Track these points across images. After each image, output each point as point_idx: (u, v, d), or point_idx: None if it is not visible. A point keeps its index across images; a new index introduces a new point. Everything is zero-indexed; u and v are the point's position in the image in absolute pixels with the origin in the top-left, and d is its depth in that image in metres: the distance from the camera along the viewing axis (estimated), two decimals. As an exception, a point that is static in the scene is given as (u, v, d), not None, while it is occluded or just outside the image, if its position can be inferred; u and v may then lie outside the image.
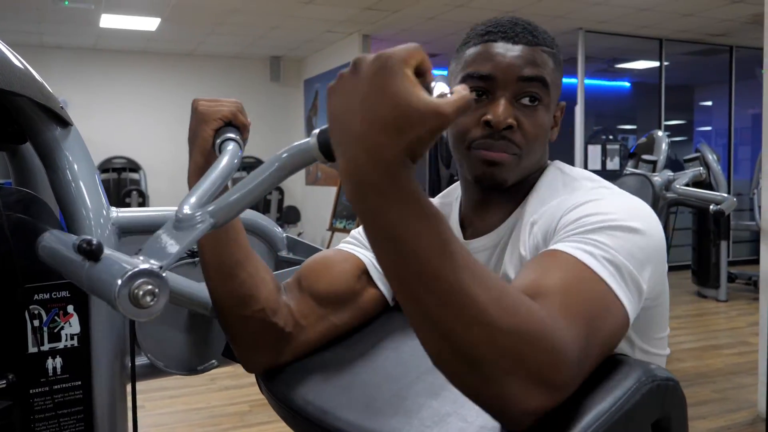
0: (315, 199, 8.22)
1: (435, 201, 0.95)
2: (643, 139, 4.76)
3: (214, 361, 1.15)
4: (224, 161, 0.72)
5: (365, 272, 0.87)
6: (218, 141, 0.80)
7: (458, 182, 0.94)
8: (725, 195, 3.64)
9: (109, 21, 6.36)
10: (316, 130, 0.60)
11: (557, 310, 0.57)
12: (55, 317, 1.01)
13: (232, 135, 0.80)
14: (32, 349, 0.98)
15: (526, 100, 0.80)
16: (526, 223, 0.80)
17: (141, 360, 1.15)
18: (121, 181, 7.71)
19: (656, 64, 7.33)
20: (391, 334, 0.80)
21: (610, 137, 7.91)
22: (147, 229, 1.19)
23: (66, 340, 1.02)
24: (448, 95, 0.51)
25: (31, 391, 0.98)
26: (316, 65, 8.16)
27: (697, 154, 5.28)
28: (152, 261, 0.53)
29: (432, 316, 0.53)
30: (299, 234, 8.00)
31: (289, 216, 8.07)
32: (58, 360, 1.01)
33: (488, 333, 0.52)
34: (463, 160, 0.83)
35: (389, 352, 0.73)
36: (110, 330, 1.06)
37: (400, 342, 0.75)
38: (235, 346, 0.83)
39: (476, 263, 0.55)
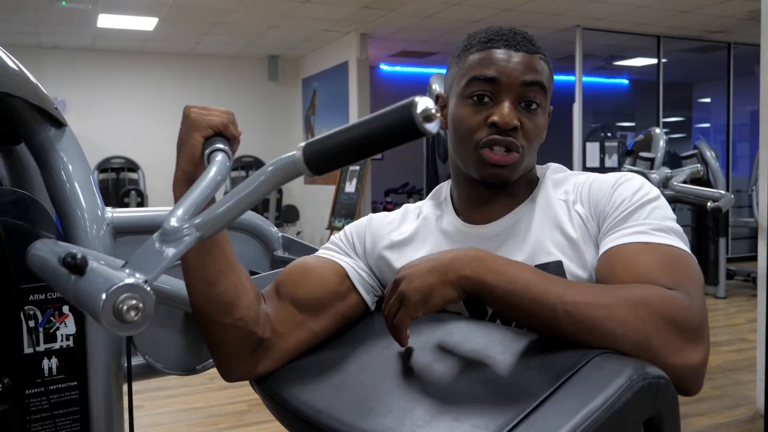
0: (314, 198, 8.22)
1: (428, 202, 0.96)
2: (640, 137, 4.76)
3: (211, 360, 1.15)
4: (212, 172, 0.71)
5: (346, 278, 0.89)
6: (207, 151, 0.78)
7: (444, 183, 0.97)
8: (722, 192, 3.64)
9: (106, 21, 6.35)
10: (302, 144, 0.60)
11: (665, 282, 0.70)
12: (51, 318, 1.01)
13: (221, 146, 0.78)
14: (28, 350, 0.98)
15: (526, 104, 0.85)
16: (552, 205, 0.86)
17: (138, 360, 1.15)
18: (120, 180, 7.70)
19: (654, 61, 7.33)
20: (382, 334, 0.81)
21: (609, 135, 7.91)
22: (142, 230, 1.19)
23: (62, 340, 1.02)
24: (434, 111, 0.52)
25: (27, 392, 0.98)
26: (314, 64, 8.15)
27: (695, 151, 5.28)
28: (137, 275, 0.53)
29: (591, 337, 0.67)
30: (298, 233, 8.00)
31: (288, 215, 8.07)
32: (54, 360, 1.01)
33: (625, 324, 0.66)
34: (469, 160, 0.87)
35: (382, 352, 0.73)
36: (105, 330, 1.06)
37: (391, 342, 0.75)
38: (214, 353, 0.84)
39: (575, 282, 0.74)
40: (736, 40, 7.41)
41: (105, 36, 7.03)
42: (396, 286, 0.74)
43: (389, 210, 1.01)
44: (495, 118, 0.83)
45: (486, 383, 0.66)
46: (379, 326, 0.84)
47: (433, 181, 4.56)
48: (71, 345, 1.02)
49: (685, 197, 3.95)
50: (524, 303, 0.68)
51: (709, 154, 5.38)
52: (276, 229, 1.34)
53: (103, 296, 0.50)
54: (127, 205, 7.04)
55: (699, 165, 4.16)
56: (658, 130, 4.63)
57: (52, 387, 0.99)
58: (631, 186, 0.82)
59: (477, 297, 0.71)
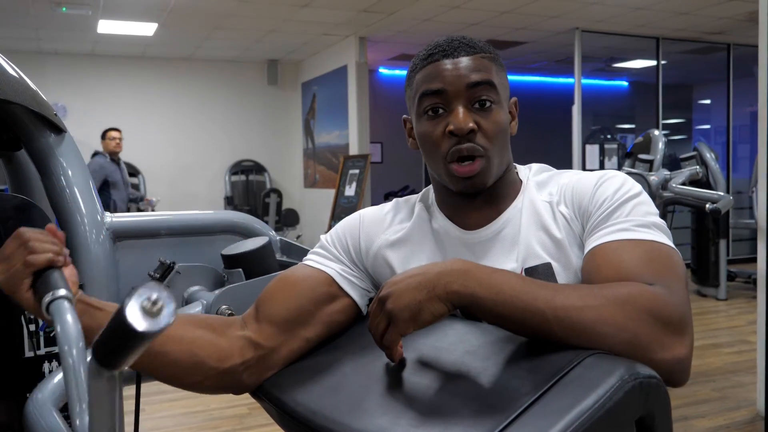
0: (313, 202, 8.23)
1: (418, 205, 0.97)
2: (639, 139, 4.76)
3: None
4: (72, 345, 0.60)
5: (333, 284, 0.90)
6: (44, 304, 0.66)
7: (429, 187, 0.98)
8: (721, 193, 3.65)
9: (106, 27, 6.37)
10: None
11: (646, 278, 0.72)
12: (51, 322, 1.02)
13: (58, 292, 0.65)
14: (29, 353, 1.00)
15: (479, 104, 0.86)
16: (537, 207, 0.88)
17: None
18: (121, 185, 7.71)
19: (654, 63, 7.34)
20: None
21: (609, 137, 7.91)
22: (141, 234, 1.20)
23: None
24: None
25: (28, 395, 0.98)
26: (314, 68, 8.17)
27: (694, 153, 5.28)
28: None
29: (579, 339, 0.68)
30: (298, 237, 8.00)
31: (288, 219, 8.08)
32: (54, 364, 1.02)
33: (615, 322, 0.67)
34: (442, 174, 0.89)
35: (377, 354, 0.74)
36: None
37: None
38: (212, 394, 0.88)
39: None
40: (735, 41, 7.42)
41: (105, 42, 7.05)
42: (381, 303, 0.72)
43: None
44: (451, 126, 0.84)
45: (479, 384, 0.67)
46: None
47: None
48: None
49: (684, 199, 3.95)
50: (515, 313, 0.69)
51: (709, 156, 5.38)
52: (274, 232, 1.35)
53: None
54: (127, 210, 7.04)
55: (698, 167, 4.17)
56: (657, 132, 4.64)
57: (52, 390, 1.00)
58: (613, 184, 0.83)
59: (467, 310, 0.72)
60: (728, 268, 5.75)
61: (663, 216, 4.06)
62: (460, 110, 0.85)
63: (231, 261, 1.21)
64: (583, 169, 6.44)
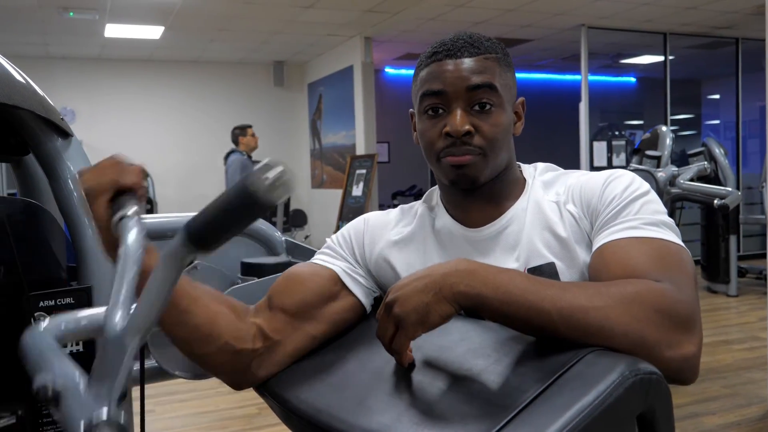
0: (321, 203, 8.25)
1: (422, 205, 0.98)
2: (646, 135, 4.74)
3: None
4: (128, 260, 0.63)
5: (338, 282, 0.91)
6: (115, 220, 0.70)
7: (434, 187, 0.99)
8: (729, 189, 3.62)
9: (113, 30, 6.42)
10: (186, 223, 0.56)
11: (654, 275, 0.72)
12: (60, 324, 1.04)
13: (129, 211, 0.70)
14: (38, 356, 1.01)
15: (479, 107, 0.86)
16: (542, 207, 0.88)
17: (150, 362, 1.17)
18: (129, 188, 7.75)
19: (661, 58, 7.30)
20: None
21: (616, 133, 7.88)
22: (150, 236, 1.21)
23: (72, 345, 1.04)
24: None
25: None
26: (319, 69, 8.19)
27: (702, 149, 5.24)
28: (106, 407, 0.58)
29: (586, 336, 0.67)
30: (306, 237, 8.03)
31: (296, 219, 8.10)
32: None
33: (623, 322, 0.67)
34: (437, 170, 0.90)
35: (380, 352, 0.75)
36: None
37: None
38: (214, 374, 0.88)
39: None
40: (744, 35, 7.37)
41: (112, 45, 7.10)
42: (388, 308, 0.72)
43: None
44: (447, 128, 0.85)
45: (481, 382, 0.67)
46: (377, 327, 0.86)
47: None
48: (81, 350, 1.04)
49: (692, 195, 3.93)
50: (521, 312, 0.69)
51: (718, 151, 5.34)
52: (279, 233, 1.36)
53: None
54: (137, 213, 7.07)
55: (706, 162, 4.14)
56: (664, 128, 4.61)
57: (62, 392, 1.01)
58: (622, 182, 0.84)
59: (473, 310, 0.72)
60: (738, 265, 5.70)
61: (671, 212, 4.04)
62: (458, 112, 0.85)
63: (249, 269, 1.27)
64: (591, 166, 6.41)
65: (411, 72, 0.96)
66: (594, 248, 0.81)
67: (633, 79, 9.80)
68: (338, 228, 6.76)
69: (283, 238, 1.35)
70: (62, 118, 1.13)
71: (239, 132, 5.59)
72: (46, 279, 1.08)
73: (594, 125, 7.09)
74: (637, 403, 0.61)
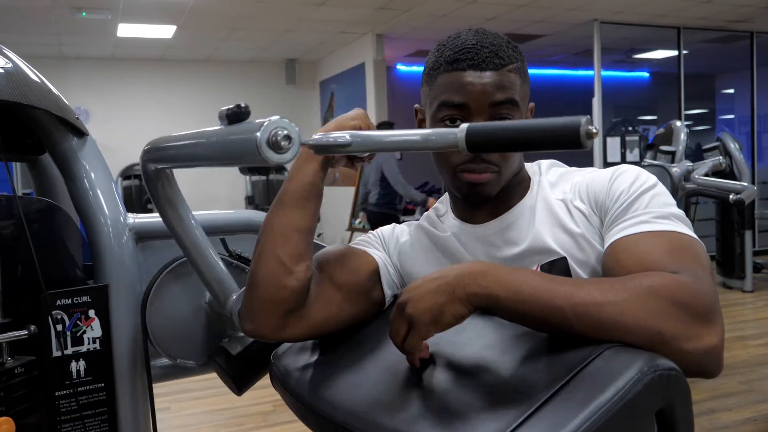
0: (333, 200, 8.26)
1: (421, 218, 1.01)
2: (661, 130, 4.70)
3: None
4: None
5: (376, 271, 0.93)
6: None
7: (444, 195, 1.01)
8: (745, 184, 3.58)
9: (126, 30, 6.46)
10: (465, 125, 0.66)
11: (670, 268, 0.71)
12: (78, 321, 1.04)
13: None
14: (56, 353, 1.02)
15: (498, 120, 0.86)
16: (551, 205, 0.88)
17: (163, 361, 1.18)
18: (143, 187, 7.82)
19: (675, 53, 7.23)
20: None
21: (630, 129, 7.82)
22: (164, 235, 1.22)
23: (88, 343, 1.05)
24: (594, 131, 0.59)
25: (57, 394, 1.01)
26: (331, 66, 8.19)
27: (717, 143, 5.19)
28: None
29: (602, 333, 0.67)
30: (319, 235, 8.04)
31: (308, 217, 8.10)
32: (82, 363, 1.04)
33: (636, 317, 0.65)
34: (449, 181, 0.90)
35: (395, 350, 0.75)
36: (130, 333, 1.09)
37: None
38: (252, 307, 0.84)
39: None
40: (759, 29, 7.27)
41: (125, 45, 7.15)
42: (401, 308, 0.73)
43: (408, 209, 1.05)
44: None
45: (497, 379, 0.67)
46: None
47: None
48: (98, 348, 1.05)
49: (708, 190, 3.89)
50: (534, 311, 0.68)
51: (733, 146, 5.28)
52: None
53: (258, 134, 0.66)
54: (150, 211, 7.11)
55: (721, 157, 4.09)
56: (678, 123, 4.56)
57: (80, 389, 1.03)
58: (628, 177, 0.83)
59: (487, 310, 0.72)
60: (754, 260, 5.64)
61: (686, 207, 4.00)
62: None
63: None
64: (605, 162, 6.37)
65: (423, 69, 0.94)
66: (606, 245, 0.80)
67: (646, 74, 9.71)
68: (351, 226, 6.77)
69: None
70: (77, 118, 1.14)
71: (387, 128, 5.64)
72: (62, 277, 1.09)
73: (607, 121, 7.03)
74: (656, 400, 0.60)
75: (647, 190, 0.81)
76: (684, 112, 7.15)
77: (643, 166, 4.20)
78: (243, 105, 0.72)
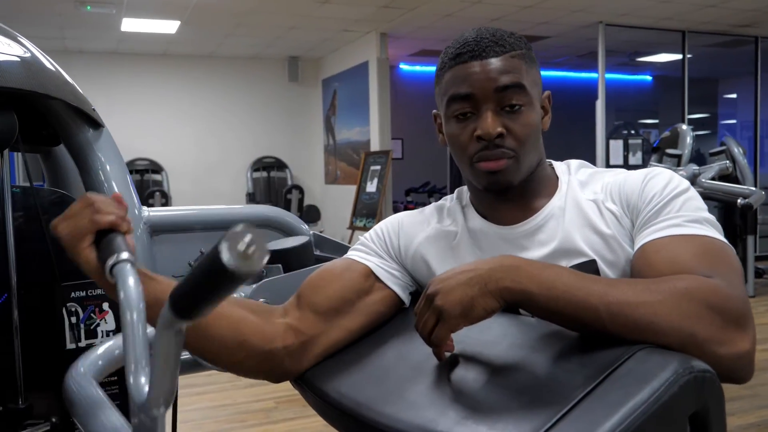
0: (334, 198, 8.25)
1: (454, 202, 0.97)
2: (666, 133, 4.69)
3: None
4: (133, 305, 0.60)
5: (371, 275, 0.90)
6: (108, 266, 0.66)
7: (464, 187, 0.98)
8: (753, 188, 3.57)
9: (130, 25, 6.44)
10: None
11: (702, 272, 0.70)
12: (92, 314, 1.04)
13: (122, 255, 0.65)
14: (70, 345, 1.01)
15: (509, 107, 0.84)
16: (581, 206, 0.86)
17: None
18: (144, 182, 7.81)
19: (679, 56, 7.22)
20: None
21: (632, 132, 7.81)
22: (177, 228, 1.21)
23: (102, 336, 1.04)
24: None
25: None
26: (334, 64, 8.18)
27: (723, 148, 5.19)
28: None
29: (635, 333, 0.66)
30: (321, 232, 8.03)
31: (309, 215, 8.11)
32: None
33: (670, 318, 0.65)
34: (469, 174, 0.89)
35: (420, 346, 0.74)
36: (144, 326, 1.08)
37: None
38: (252, 378, 0.89)
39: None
40: (763, 34, 7.27)
41: (129, 40, 7.13)
42: (429, 300, 0.71)
43: (410, 209, 1.02)
44: (479, 131, 0.83)
45: (527, 377, 0.66)
46: (415, 320, 0.85)
47: (457, 180, 4.55)
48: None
49: (714, 194, 3.89)
50: (567, 308, 0.68)
51: (737, 151, 5.28)
52: (307, 227, 1.36)
53: None
54: (151, 206, 7.13)
55: (728, 162, 4.09)
56: (684, 127, 4.56)
57: (93, 382, 1.01)
58: (661, 180, 0.83)
59: (518, 306, 0.71)
60: (756, 265, 5.64)
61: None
62: (489, 115, 0.83)
63: (273, 256, 1.22)
64: (607, 164, 6.36)
65: (426, 68, 0.94)
66: (636, 247, 0.79)
67: (649, 78, 9.71)
68: (352, 224, 6.76)
69: (312, 232, 1.35)
70: (93, 109, 1.13)
71: None
72: (77, 270, 1.08)
73: (610, 123, 7.03)
74: (691, 402, 0.59)
75: (680, 194, 0.80)
76: (687, 116, 7.15)
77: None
78: None
